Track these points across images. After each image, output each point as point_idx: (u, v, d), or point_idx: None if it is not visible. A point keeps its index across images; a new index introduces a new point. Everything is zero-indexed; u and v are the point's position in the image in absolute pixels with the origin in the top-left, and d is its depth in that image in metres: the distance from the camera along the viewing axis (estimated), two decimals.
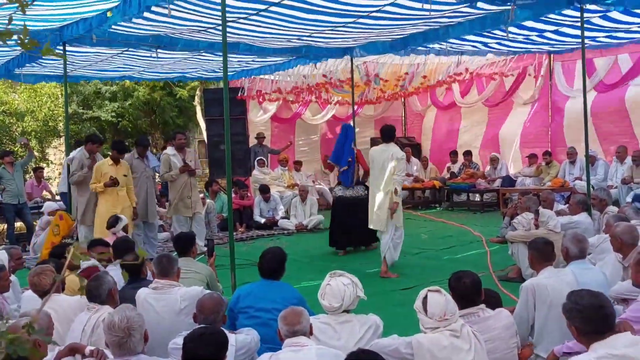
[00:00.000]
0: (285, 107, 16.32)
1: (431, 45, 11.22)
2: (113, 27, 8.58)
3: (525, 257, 6.18)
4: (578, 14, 8.41)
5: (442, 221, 12.62)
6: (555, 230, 7.28)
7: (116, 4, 7.51)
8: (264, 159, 14.39)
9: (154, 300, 4.67)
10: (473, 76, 14.44)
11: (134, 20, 8.04)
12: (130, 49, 10.41)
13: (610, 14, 9.27)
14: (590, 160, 10.06)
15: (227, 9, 6.65)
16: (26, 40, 1.89)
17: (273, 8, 8.10)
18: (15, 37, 1.90)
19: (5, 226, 11.95)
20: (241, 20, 8.72)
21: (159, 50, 10.37)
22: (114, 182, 8.69)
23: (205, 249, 8.30)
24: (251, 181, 14.20)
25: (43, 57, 10.40)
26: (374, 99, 15.55)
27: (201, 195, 11.24)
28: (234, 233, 7.59)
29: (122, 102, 21.00)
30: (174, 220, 10.19)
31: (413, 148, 16.51)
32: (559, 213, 8.24)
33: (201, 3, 7.68)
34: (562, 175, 12.98)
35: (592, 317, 3.24)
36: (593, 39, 11.13)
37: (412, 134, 17.86)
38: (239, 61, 12.74)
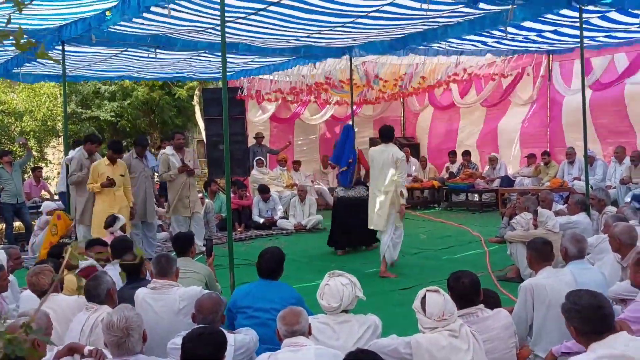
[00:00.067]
0: (284, 107, 16.32)
1: (430, 44, 11.21)
2: (111, 27, 8.58)
3: (523, 257, 6.19)
4: (577, 14, 8.41)
5: (441, 221, 12.62)
6: (554, 231, 7.29)
7: (115, 3, 7.51)
8: (263, 159, 14.39)
9: (153, 300, 4.67)
10: (472, 76, 14.45)
11: (133, 20, 8.03)
12: (129, 49, 10.41)
13: (609, 15, 9.27)
14: (589, 160, 10.07)
15: (226, 8, 6.65)
16: (23, 41, 1.88)
17: (272, 8, 8.09)
18: (11, 38, 1.90)
19: (4, 226, 11.94)
20: (240, 20, 8.72)
21: (157, 51, 10.37)
22: (110, 183, 8.67)
23: (204, 248, 8.29)
24: (250, 181, 14.19)
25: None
26: (372, 99, 15.56)
27: (200, 195, 11.23)
28: (233, 233, 7.58)
29: (121, 101, 20.99)
30: (172, 220, 10.18)
31: (412, 148, 16.52)
32: (557, 213, 8.24)
33: (200, 2, 7.67)
34: (561, 176, 12.99)
35: (590, 317, 3.24)
36: (592, 38, 11.14)
37: (411, 134, 17.87)
38: (237, 62, 12.75)
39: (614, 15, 9.31)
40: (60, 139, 19.94)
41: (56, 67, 11.40)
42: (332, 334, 4.04)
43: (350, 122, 11.34)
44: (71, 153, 10.08)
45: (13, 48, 9.47)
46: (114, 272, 5.07)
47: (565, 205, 9.52)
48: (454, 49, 11.91)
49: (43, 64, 11.36)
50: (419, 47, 11.33)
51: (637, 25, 9.76)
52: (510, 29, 9.69)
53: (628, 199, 10.34)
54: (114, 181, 8.69)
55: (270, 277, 4.92)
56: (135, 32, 9.31)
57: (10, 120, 19.82)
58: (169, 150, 10.15)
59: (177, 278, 4.97)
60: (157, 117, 22.02)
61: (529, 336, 4.67)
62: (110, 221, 7.67)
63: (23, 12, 7.62)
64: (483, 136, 15.94)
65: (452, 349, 3.59)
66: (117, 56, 11.19)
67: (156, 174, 10.20)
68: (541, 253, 4.86)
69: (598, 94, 13.06)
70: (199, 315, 4.11)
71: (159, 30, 9.33)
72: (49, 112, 20.10)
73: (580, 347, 3.43)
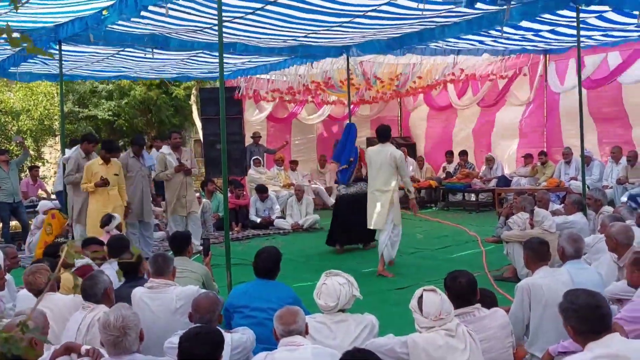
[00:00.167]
0: (281, 106, 16.32)
1: (427, 44, 11.22)
2: (109, 26, 8.56)
3: (520, 257, 6.19)
4: (574, 14, 8.43)
5: (438, 221, 12.62)
6: (551, 231, 7.30)
7: (112, 2, 7.50)
8: (260, 159, 14.39)
9: (150, 300, 4.67)
10: (468, 77, 14.45)
11: (130, 19, 8.02)
12: (126, 49, 10.40)
13: (605, 15, 9.29)
14: (586, 160, 10.08)
15: (223, 7, 6.65)
16: (17, 38, 1.88)
17: (269, 7, 8.09)
18: (4, 35, 1.90)
19: (1, 225, 11.91)
20: (237, 20, 8.71)
21: (155, 51, 10.36)
22: (104, 182, 8.64)
23: (201, 248, 8.29)
24: (247, 181, 14.18)
25: (38, 56, 10.38)
26: (370, 99, 15.56)
27: (197, 194, 11.23)
28: (230, 232, 7.58)
29: (119, 100, 20.97)
30: (169, 219, 10.18)
31: (409, 148, 16.50)
32: (554, 213, 8.25)
33: (198, 1, 7.67)
34: (558, 175, 13.01)
35: (588, 316, 3.25)
36: (589, 37, 11.15)
37: (408, 134, 17.88)
38: (235, 62, 12.75)
39: (610, 15, 9.33)
40: (57, 138, 19.94)
41: (53, 66, 11.38)
42: (329, 334, 4.04)
43: (349, 121, 11.34)
44: (68, 152, 10.06)
45: (9, 47, 9.47)
46: (110, 271, 5.06)
47: (562, 205, 9.53)
48: (451, 47, 11.92)
49: (43, 63, 11.33)
50: (416, 47, 11.34)
51: (635, 25, 9.77)
52: (507, 29, 9.70)
53: (624, 199, 10.35)
54: (107, 181, 8.67)
55: (267, 277, 4.92)
56: (133, 31, 9.30)
57: (7, 119, 19.82)
58: (166, 149, 10.14)
59: (174, 277, 4.96)
60: (154, 116, 22.01)
61: (525, 336, 4.68)
62: (106, 220, 7.66)
63: (19, 11, 7.61)
64: (480, 136, 15.95)
65: (448, 349, 3.60)
66: (114, 56, 11.17)
67: (153, 172, 10.17)
68: (538, 253, 4.87)
69: (596, 94, 13.06)
70: (196, 315, 4.11)
71: (157, 30, 9.33)
72: (46, 111, 20.09)
73: (577, 347, 3.44)
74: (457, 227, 11.66)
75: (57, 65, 9.96)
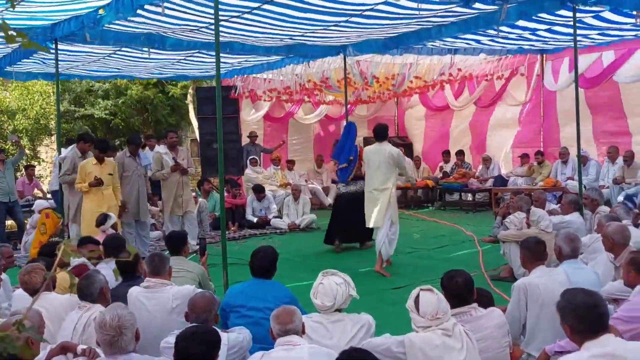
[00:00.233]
0: (278, 106, 16.31)
1: (424, 43, 11.22)
2: (106, 25, 8.54)
3: (517, 257, 6.20)
4: (570, 13, 8.44)
5: (435, 221, 12.63)
6: (547, 231, 7.30)
7: (108, 1, 7.48)
8: (257, 158, 14.38)
9: (146, 299, 4.66)
10: (465, 77, 14.45)
11: (127, 18, 8.01)
12: (122, 49, 10.38)
13: (602, 14, 9.30)
14: (582, 160, 10.09)
15: (219, 7, 6.64)
16: (13, 34, 1.88)
17: (266, 6, 8.08)
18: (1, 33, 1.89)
19: None
20: (234, 19, 8.70)
21: (151, 50, 10.34)
22: (98, 182, 8.63)
23: (198, 247, 8.28)
24: (244, 180, 14.17)
25: (34, 55, 10.35)
26: (367, 99, 15.56)
27: (193, 194, 11.21)
28: (226, 232, 7.58)
29: (115, 100, 20.92)
30: (166, 219, 10.16)
31: (406, 148, 16.49)
32: (550, 213, 8.26)
33: (194, 0, 7.65)
34: (554, 175, 13.02)
35: (585, 316, 3.25)
36: (585, 36, 11.15)
37: (405, 133, 17.88)
38: (232, 62, 12.74)
39: (607, 14, 9.34)
40: (53, 138, 19.89)
41: (50, 65, 11.36)
42: (325, 333, 4.04)
43: (346, 121, 11.35)
44: (64, 152, 10.04)
45: (6, 46, 9.46)
46: (106, 271, 5.06)
47: (559, 204, 9.55)
48: (448, 47, 11.92)
49: (41, 62, 11.30)
50: (413, 46, 11.34)
51: (631, 24, 9.79)
52: (504, 28, 9.71)
53: (621, 199, 10.37)
54: (101, 180, 8.66)
55: (264, 276, 4.91)
56: (129, 30, 9.28)
57: (3, 119, 19.75)
58: (162, 148, 10.13)
59: (170, 277, 4.95)
60: (150, 115, 21.95)
61: (522, 335, 4.68)
62: (102, 219, 7.65)
63: (16, 10, 7.60)
64: (476, 136, 15.97)
65: (445, 348, 3.59)
66: (111, 56, 11.15)
67: (149, 171, 10.16)
68: (534, 252, 4.87)
69: (594, 94, 13.06)
70: (192, 314, 4.10)
71: (153, 29, 9.31)
72: (42, 111, 20.03)
73: (574, 346, 3.44)
74: (454, 226, 11.67)
75: (54, 64, 9.93)
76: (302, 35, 10.16)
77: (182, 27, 9.11)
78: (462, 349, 3.61)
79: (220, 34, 6.97)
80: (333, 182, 15.30)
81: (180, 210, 9.89)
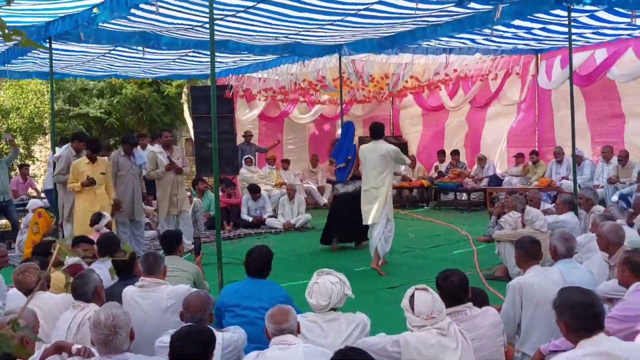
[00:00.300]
0: (273, 105, 16.29)
1: (419, 43, 11.23)
2: (100, 24, 8.52)
3: (511, 256, 6.20)
4: (565, 13, 8.46)
5: (430, 220, 12.64)
6: (542, 230, 7.31)
7: (102, 0, 7.46)
8: (252, 158, 14.36)
9: (140, 299, 4.65)
10: (460, 76, 14.47)
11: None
12: (117, 48, 10.35)
13: (597, 13, 9.32)
14: (577, 160, 10.11)
15: (214, 6, 6.63)
16: (8, 32, 1.87)
17: (261, 5, 8.07)
18: None
19: None
20: (229, 18, 8.69)
21: (146, 49, 10.31)
22: (90, 182, 8.60)
23: (192, 247, 8.27)
24: (239, 179, 14.15)
25: (29, 54, 10.32)
26: (362, 98, 15.56)
27: (188, 193, 11.19)
28: (221, 231, 7.56)
29: (110, 99, 20.88)
30: (160, 218, 10.14)
31: (401, 147, 16.43)
32: (545, 212, 8.27)
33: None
34: (549, 175, 13.05)
35: (582, 314, 3.25)
36: (580, 35, 11.17)
37: (400, 133, 17.88)
38: (226, 62, 12.72)
39: (602, 14, 9.36)
40: (47, 137, 19.85)
41: (44, 64, 11.33)
42: (320, 333, 4.03)
43: (341, 121, 11.36)
44: (58, 151, 10.01)
45: (2, 44, 9.42)
46: (101, 270, 5.04)
47: (553, 204, 9.56)
48: (443, 46, 11.93)
49: (36, 60, 11.26)
50: (408, 46, 11.35)
51: (626, 24, 9.82)
52: (499, 27, 9.72)
53: (615, 198, 10.39)
54: (94, 180, 8.63)
55: (259, 276, 4.91)
56: (124, 29, 9.26)
57: None
58: (157, 147, 10.10)
59: (165, 276, 4.94)
60: (145, 114, 21.91)
61: (517, 335, 4.69)
62: (96, 218, 7.62)
63: (10, 8, 7.57)
64: (471, 136, 15.99)
65: (440, 347, 3.59)
66: (105, 55, 11.12)
67: (144, 170, 10.14)
68: (529, 252, 4.88)
69: (592, 94, 13.10)
70: (187, 314, 4.10)
71: (148, 28, 9.29)
72: (36, 110, 19.98)
73: (568, 346, 3.44)
74: (449, 226, 11.68)
75: (48, 63, 9.91)
76: (297, 34, 10.15)
77: (176, 25, 9.09)
78: (457, 348, 3.61)
79: (215, 32, 6.95)
80: (328, 181, 15.37)
81: (175, 210, 9.86)
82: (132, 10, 7.60)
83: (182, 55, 11.53)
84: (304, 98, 15.87)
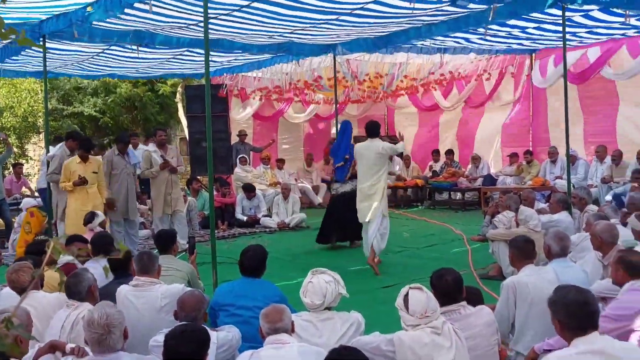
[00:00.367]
0: (268, 104, 16.27)
1: (414, 42, 11.23)
2: (94, 22, 8.49)
3: (505, 255, 6.23)
4: (560, 12, 8.48)
5: (424, 219, 12.65)
6: (536, 230, 7.33)
7: None
8: (246, 157, 14.35)
9: (135, 298, 4.64)
10: (454, 76, 14.49)
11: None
12: (111, 47, 10.32)
13: (591, 13, 9.34)
14: (571, 159, 10.13)
15: (209, 4, 6.62)
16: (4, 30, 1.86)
17: (255, 4, 8.06)
18: None
19: None
20: (223, 17, 8.67)
21: (140, 49, 10.28)
22: (82, 181, 8.58)
23: (187, 246, 8.26)
24: (233, 179, 14.14)
25: (22, 53, 10.27)
26: (358, 98, 15.56)
27: (182, 193, 11.17)
28: (216, 231, 7.56)
29: (104, 98, 20.83)
30: (155, 217, 10.12)
31: None
32: (539, 212, 8.29)
33: None
34: (543, 174, 13.08)
35: (576, 312, 3.27)
36: (574, 34, 11.19)
37: (395, 132, 17.86)
38: (221, 61, 12.69)
39: (596, 13, 9.38)
40: (41, 136, 19.80)
41: (38, 63, 11.29)
42: (315, 332, 4.03)
43: (336, 120, 11.35)
44: (52, 150, 9.97)
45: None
46: (96, 270, 5.03)
47: (547, 203, 9.58)
48: (437, 46, 11.94)
49: (29, 59, 11.22)
50: (403, 45, 11.35)
51: (620, 23, 9.85)
52: (493, 26, 9.74)
53: (609, 198, 10.42)
54: (85, 179, 8.60)
55: (253, 275, 4.90)
56: (118, 28, 9.23)
57: None
58: (151, 147, 10.08)
59: (159, 275, 4.94)
60: (139, 113, 21.88)
61: (510, 334, 4.69)
62: (89, 218, 7.61)
63: (3, 6, 7.54)
64: (466, 135, 16.01)
65: (434, 346, 3.60)
66: (100, 55, 11.09)
67: (138, 170, 10.11)
68: (523, 251, 4.89)
69: (588, 93, 13.13)
70: (182, 313, 4.09)
71: (142, 27, 9.26)
72: (30, 108, 19.94)
73: (562, 345, 3.45)
74: (443, 225, 11.70)
75: (42, 62, 9.87)
76: (291, 33, 10.14)
77: (171, 24, 9.07)
78: (451, 347, 3.61)
79: (210, 31, 6.94)
80: (323, 181, 15.38)
81: (169, 209, 9.84)
82: (127, 10, 7.57)
83: (176, 55, 11.50)
84: (298, 98, 15.86)
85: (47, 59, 9.74)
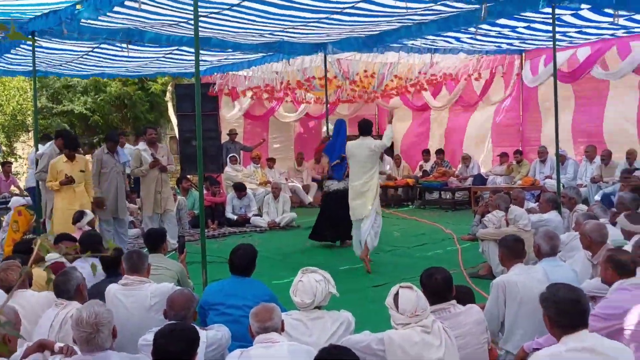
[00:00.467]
0: (259, 104, 16.25)
1: (405, 42, 11.24)
2: (83, 20, 8.45)
3: (495, 255, 6.23)
4: (549, 10, 8.50)
5: (415, 219, 12.67)
6: (526, 229, 7.35)
7: None
8: (237, 156, 14.31)
9: (124, 297, 4.62)
10: (445, 75, 14.51)
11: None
12: (101, 45, 10.27)
13: (581, 12, 9.38)
14: (560, 159, 10.16)
15: (199, 3, 6.60)
16: None
17: (246, 3, 8.04)
18: None
19: None
20: (213, 15, 8.65)
21: (130, 47, 10.23)
22: (69, 180, 8.53)
23: (177, 245, 8.23)
24: (223, 178, 14.11)
25: (12, 51, 10.22)
26: (349, 98, 15.56)
27: (173, 192, 11.13)
28: (206, 230, 7.54)
29: (94, 96, 20.76)
30: (144, 216, 10.07)
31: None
32: (529, 211, 8.31)
33: None
34: (533, 174, 13.12)
35: (567, 310, 3.29)
36: (564, 34, 11.23)
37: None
38: (211, 60, 12.66)
39: (586, 13, 9.41)
40: (30, 134, 19.71)
41: (27, 62, 11.22)
42: (305, 330, 4.03)
43: (326, 120, 11.35)
44: (42, 148, 9.92)
45: None
46: (85, 269, 5.00)
47: (537, 203, 9.61)
48: (428, 46, 11.95)
49: (18, 58, 11.15)
50: (393, 45, 11.36)
51: (609, 23, 9.89)
52: (484, 25, 9.75)
53: (598, 198, 10.47)
54: (72, 178, 8.54)
55: (243, 274, 4.90)
56: (107, 26, 9.18)
57: None
58: (141, 145, 10.03)
59: (148, 274, 4.92)
60: (129, 112, 21.81)
61: (500, 333, 4.70)
62: (78, 216, 7.56)
63: None
64: (456, 135, 16.04)
65: (424, 345, 3.60)
66: (89, 54, 11.03)
67: (128, 168, 10.06)
68: (513, 250, 4.90)
69: (578, 93, 13.18)
70: (171, 312, 4.08)
71: (131, 24, 9.22)
72: (19, 107, 19.84)
73: (552, 343, 3.46)
74: (434, 225, 11.72)
75: (31, 59, 9.82)
76: (282, 32, 10.12)
77: (161, 22, 9.03)
78: (440, 345, 3.62)
79: (200, 29, 6.91)
80: (314, 180, 15.37)
81: (159, 208, 9.79)
82: (117, 8, 7.54)
83: (166, 54, 11.46)
84: (290, 98, 15.84)
85: (36, 60, 9.66)
